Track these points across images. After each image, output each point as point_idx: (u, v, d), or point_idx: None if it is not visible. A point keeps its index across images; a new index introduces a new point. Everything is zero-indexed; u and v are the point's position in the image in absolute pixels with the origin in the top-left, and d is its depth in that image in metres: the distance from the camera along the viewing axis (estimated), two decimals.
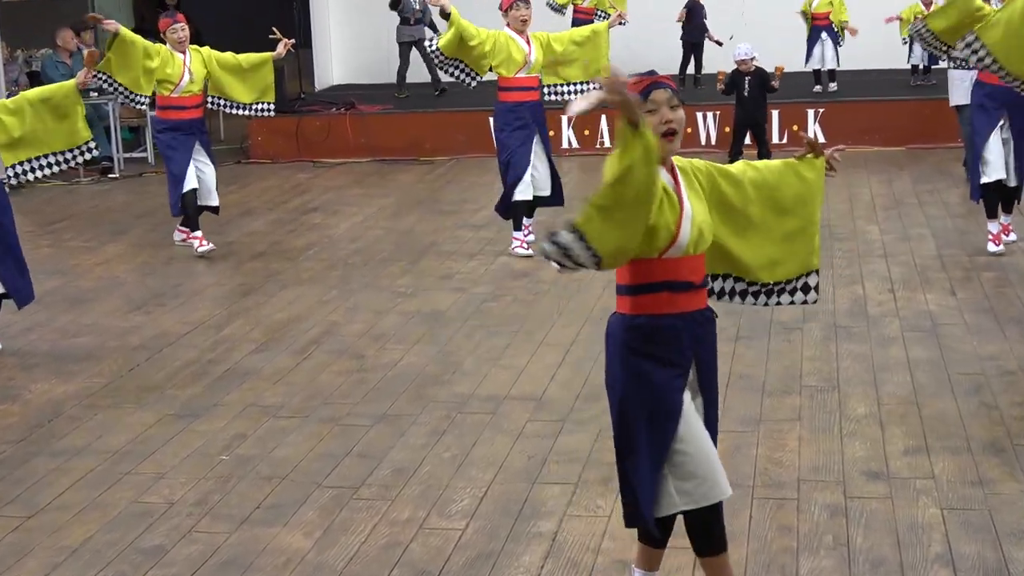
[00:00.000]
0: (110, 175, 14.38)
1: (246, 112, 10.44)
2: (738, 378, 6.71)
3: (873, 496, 5.24)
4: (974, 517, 5.02)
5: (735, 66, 12.70)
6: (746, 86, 12.58)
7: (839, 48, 14.87)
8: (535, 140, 9.62)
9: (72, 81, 8.07)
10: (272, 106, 10.50)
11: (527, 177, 9.62)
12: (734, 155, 12.85)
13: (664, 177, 3.89)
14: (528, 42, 9.57)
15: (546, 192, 9.78)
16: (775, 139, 13.95)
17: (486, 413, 6.38)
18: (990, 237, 9.13)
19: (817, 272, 4.36)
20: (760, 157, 12.69)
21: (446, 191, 12.72)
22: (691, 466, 3.97)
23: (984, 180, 8.89)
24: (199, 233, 10.16)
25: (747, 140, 12.65)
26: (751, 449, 5.77)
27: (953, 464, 5.53)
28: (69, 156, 8.03)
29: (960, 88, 11.40)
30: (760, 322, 7.62)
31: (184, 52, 9.96)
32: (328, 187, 13.26)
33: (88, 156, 8.15)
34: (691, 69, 15.88)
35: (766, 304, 4.33)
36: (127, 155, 15.18)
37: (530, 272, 9.17)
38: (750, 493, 5.31)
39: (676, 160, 4.00)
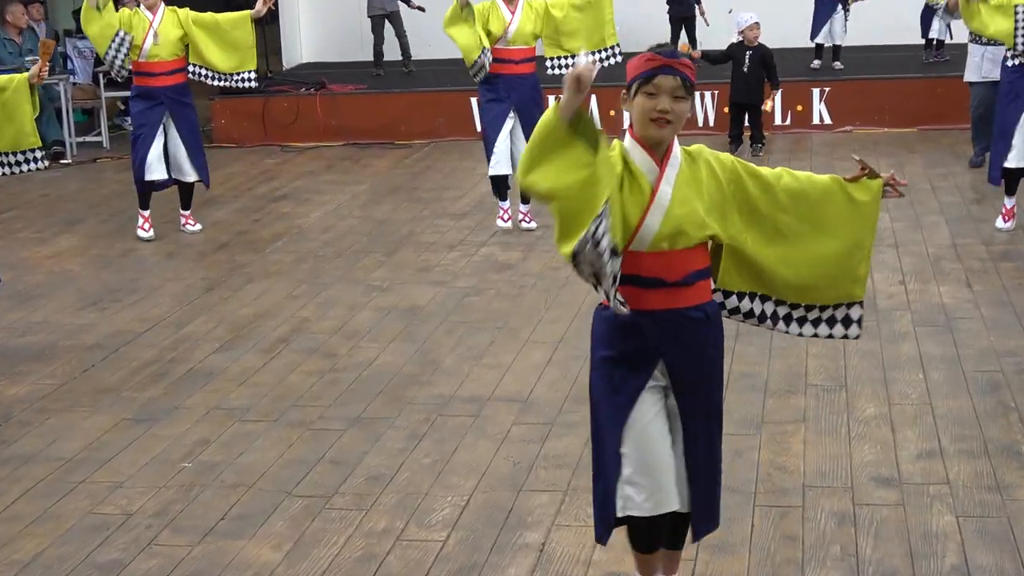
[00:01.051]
0: (62, 161, 14.33)
1: (227, 83, 10.34)
2: (738, 377, 6.72)
3: (883, 503, 5.25)
4: (992, 525, 5.03)
5: (737, 38, 12.72)
6: (746, 60, 12.58)
7: (847, 22, 14.87)
8: (511, 116, 9.68)
9: (23, 75, 7.55)
10: (254, 75, 10.40)
11: (499, 151, 9.74)
12: (734, 138, 12.89)
13: (641, 162, 3.87)
14: (514, 11, 9.57)
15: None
16: (776, 120, 13.95)
17: (468, 416, 6.38)
18: (1003, 211, 9.42)
19: (861, 304, 4.23)
20: (752, 142, 12.73)
21: (424, 177, 12.71)
22: (632, 471, 4.00)
23: (1008, 165, 9.15)
24: (146, 213, 10.32)
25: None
26: (753, 453, 5.78)
27: (969, 468, 5.55)
28: (11, 160, 7.56)
29: (971, 64, 11.50)
30: None
31: (155, 12, 9.92)
32: (297, 173, 13.24)
33: (33, 167, 7.62)
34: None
35: (800, 334, 4.22)
36: (80, 139, 15.14)
37: (515, 264, 9.17)
38: (752, 500, 5.32)
39: (686, 148, 3.96)
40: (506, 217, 10.14)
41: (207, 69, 10.23)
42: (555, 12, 9.77)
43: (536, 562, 4.88)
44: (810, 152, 12.89)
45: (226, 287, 8.95)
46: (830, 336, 4.24)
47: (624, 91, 3.95)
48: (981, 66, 11.39)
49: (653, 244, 3.88)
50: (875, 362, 6.89)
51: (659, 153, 3.89)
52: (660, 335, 3.96)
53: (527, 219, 10.07)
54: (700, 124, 14.27)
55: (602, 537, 4.17)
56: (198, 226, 10.58)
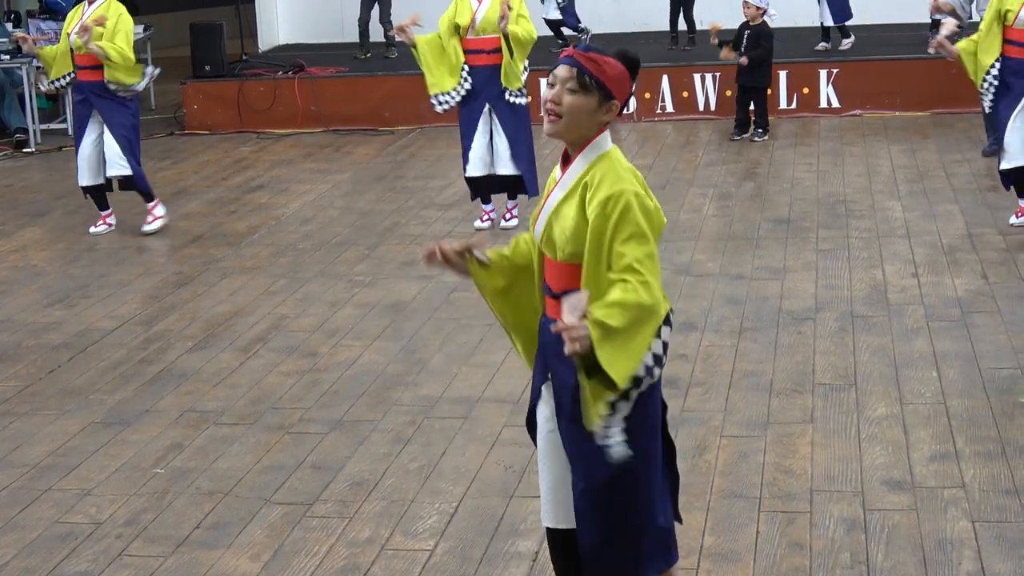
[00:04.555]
0: (25, 149, 14.32)
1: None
2: (743, 376, 6.74)
3: (895, 508, 5.27)
4: (1009, 531, 5.05)
5: (744, 18, 12.76)
6: (744, 41, 12.63)
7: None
8: (486, 111, 9.65)
9: None
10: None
11: (475, 151, 9.74)
12: (740, 124, 12.91)
13: (558, 167, 3.92)
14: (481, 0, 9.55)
15: (509, 171, 9.77)
16: (782, 103, 13.97)
17: (456, 418, 6.39)
18: (1017, 209, 9.42)
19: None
20: (756, 127, 12.76)
21: (409, 166, 12.71)
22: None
23: (1004, 167, 9.19)
24: (105, 212, 10.43)
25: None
26: (758, 456, 5.79)
27: (985, 471, 5.56)
28: None
29: None
30: (767, 312, 7.65)
31: (91, 4, 9.96)
32: (275, 162, 13.24)
33: None
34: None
35: None
36: (44, 126, 15.12)
37: None
38: (757, 505, 5.33)
39: (596, 169, 3.80)
40: (485, 218, 10.07)
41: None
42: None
43: (529, 572, 4.89)
44: (817, 138, 12.91)
45: (200, 283, 8.95)
46: None
47: None
48: None
49: (541, 246, 3.94)
50: (886, 359, 6.91)
51: (571, 154, 3.87)
52: (546, 343, 3.96)
53: (508, 215, 10.02)
54: (701, 108, 14.28)
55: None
56: (156, 224, 10.41)
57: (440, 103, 9.67)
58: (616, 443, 3.72)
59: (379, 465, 5.90)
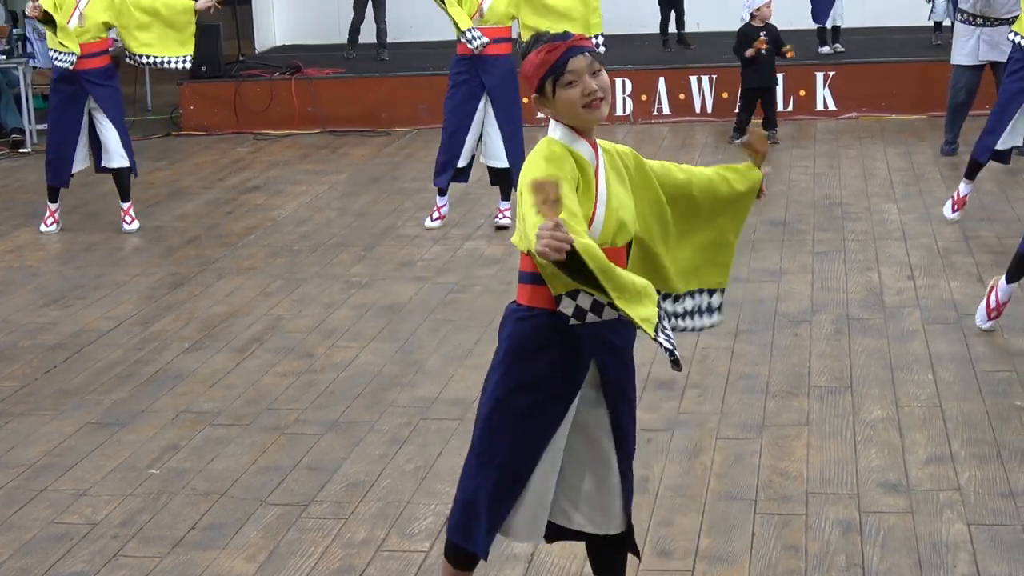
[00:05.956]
0: (21, 150, 14.31)
1: (164, 65, 10.44)
2: (738, 378, 6.74)
3: (891, 511, 5.28)
4: (1005, 533, 5.06)
5: (746, 19, 12.76)
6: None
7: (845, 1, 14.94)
8: (483, 102, 9.64)
9: None
10: (190, 59, 10.45)
11: (466, 142, 9.71)
12: (741, 125, 12.90)
13: (585, 153, 3.85)
14: None
15: (501, 163, 9.75)
16: (779, 106, 13.96)
17: (453, 419, 6.39)
18: (954, 199, 9.64)
19: (722, 292, 4.31)
20: (765, 127, 12.76)
21: (406, 167, 12.71)
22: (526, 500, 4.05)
23: (1000, 146, 9.27)
24: (53, 207, 10.45)
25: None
26: (753, 458, 5.80)
27: (981, 474, 5.57)
28: None
29: (963, 47, 11.54)
30: (763, 314, 7.65)
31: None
32: (271, 163, 13.23)
33: None
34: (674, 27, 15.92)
35: (673, 329, 4.20)
36: (41, 126, 15.06)
37: (501, 259, 9.18)
38: (752, 508, 5.33)
39: (601, 142, 3.93)
40: (435, 216, 10.12)
41: (142, 55, 10.28)
42: None
43: (524, 573, 4.89)
44: (814, 140, 12.92)
45: (196, 283, 8.94)
46: (694, 329, 4.28)
47: (535, 95, 3.89)
48: (978, 49, 11.44)
49: (601, 240, 3.79)
50: (882, 362, 6.92)
51: (590, 141, 3.89)
52: (594, 337, 3.89)
53: (501, 215, 10.01)
54: (698, 111, 14.29)
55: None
56: (136, 224, 10.48)
57: (474, 38, 9.41)
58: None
59: (375, 466, 5.90)
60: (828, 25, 14.97)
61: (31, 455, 6.18)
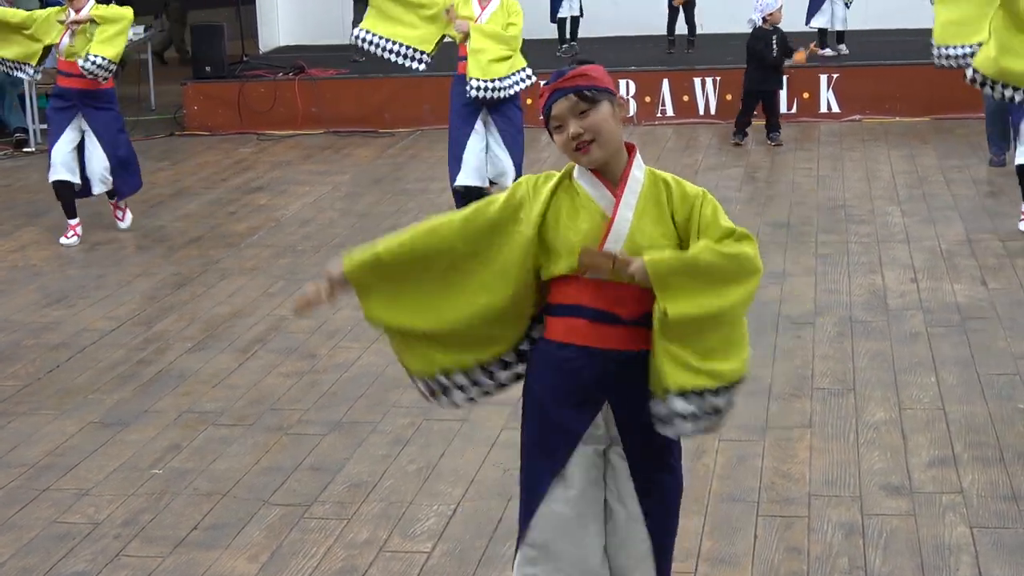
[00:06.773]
0: (25, 149, 14.32)
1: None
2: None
3: (894, 513, 5.27)
4: (1008, 537, 5.05)
5: (755, 23, 12.76)
6: (774, 44, 12.64)
7: (848, 6, 14.90)
8: (486, 120, 9.55)
9: None
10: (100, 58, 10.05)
11: (467, 159, 9.54)
12: (742, 127, 12.90)
13: (592, 186, 3.70)
14: (485, 7, 9.38)
15: (507, 179, 9.68)
16: (783, 108, 13.95)
17: (455, 420, 6.38)
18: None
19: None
20: (769, 129, 12.76)
21: (409, 168, 12.72)
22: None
23: (1020, 161, 9.13)
24: (73, 221, 10.22)
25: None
26: (756, 460, 5.79)
27: (984, 477, 5.57)
28: None
29: None
30: (766, 317, 7.64)
31: (78, 10, 9.92)
32: (274, 163, 13.24)
33: None
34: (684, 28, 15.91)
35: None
36: (44, 126, 15.05)
37: None
38: (755, 510, 5.33)
39: (657, 173, 3.75)
40: None
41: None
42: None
43: None
44: (817, 142, 12.91)
45: (199, 283, 8.95)
46: None
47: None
48: None
49: (614, 276, 3.66)
50: (885, 364, 6.91)
51: (611, 176, 3.71)
52: (606, 374, 3.76)
53: None
54: (701, 112, 14.29)
55: None
56: (127, 221, 10.51)
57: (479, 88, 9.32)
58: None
59: (377, 467, 5.90)
60: (828, 28, 14.93)
61: (33, 455, 6.18)
